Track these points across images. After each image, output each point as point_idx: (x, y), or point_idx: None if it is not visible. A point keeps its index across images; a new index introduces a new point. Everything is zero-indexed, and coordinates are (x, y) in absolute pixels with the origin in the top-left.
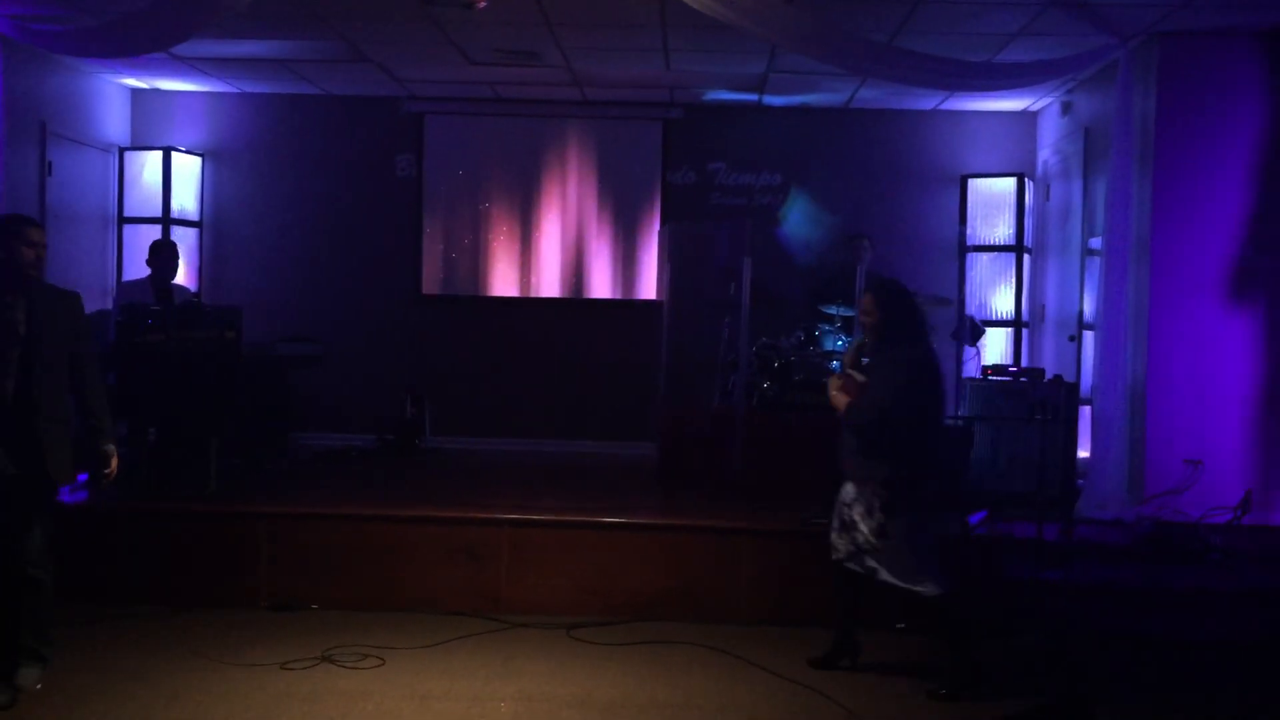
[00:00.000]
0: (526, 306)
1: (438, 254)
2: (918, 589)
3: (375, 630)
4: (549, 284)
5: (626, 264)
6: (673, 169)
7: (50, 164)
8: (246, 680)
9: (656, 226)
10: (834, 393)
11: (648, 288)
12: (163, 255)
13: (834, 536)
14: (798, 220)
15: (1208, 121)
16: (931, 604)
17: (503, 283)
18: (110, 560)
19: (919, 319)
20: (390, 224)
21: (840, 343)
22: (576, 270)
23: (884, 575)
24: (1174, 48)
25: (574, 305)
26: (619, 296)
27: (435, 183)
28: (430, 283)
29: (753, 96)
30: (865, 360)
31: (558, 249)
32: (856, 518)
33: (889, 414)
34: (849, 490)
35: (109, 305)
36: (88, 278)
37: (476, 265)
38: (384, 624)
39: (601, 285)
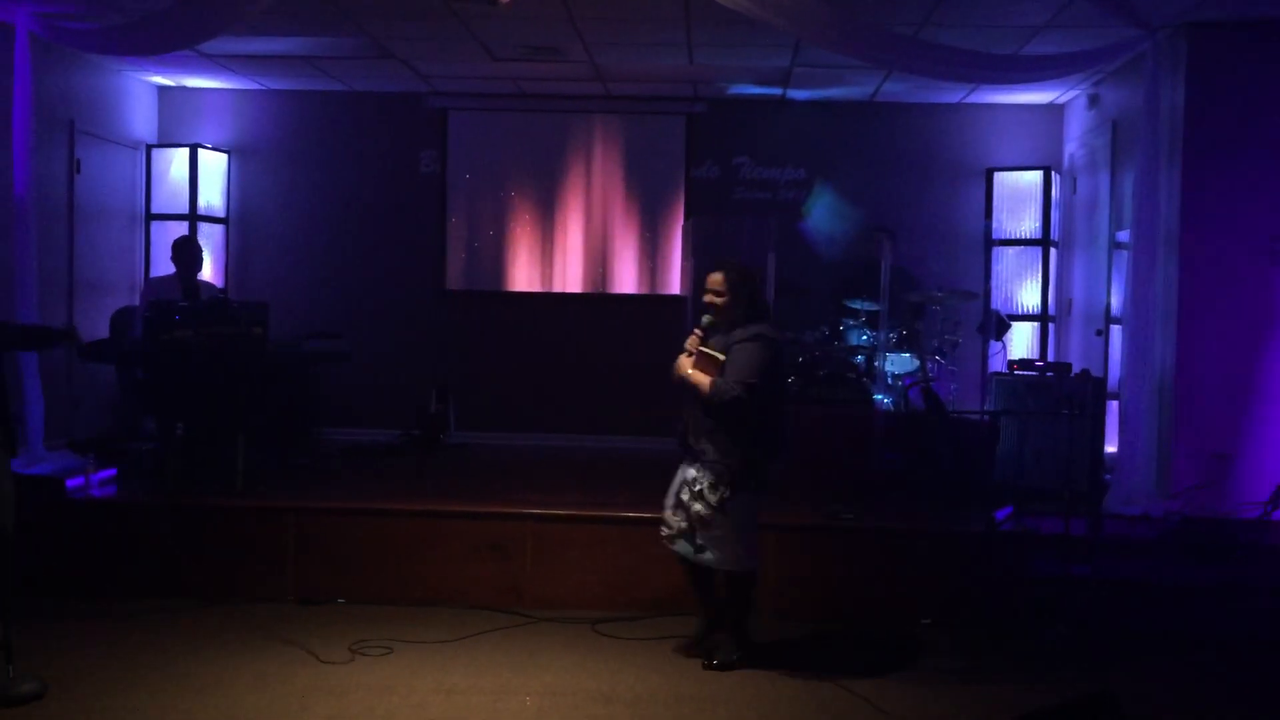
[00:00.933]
0: (550, 302)
1: (461, 250)
2: (729, 568)
3: (401, 624)
4: (572, 279)
5: (650, 259)
6: (696, 164)
7: (78, 161)
8: (274, 673)
9: (680, 221)
10: (690, 371)
11: (671, 283)
12: (186, 252)
13: (668, 514)
14: (822, 215)
15: (1237, 113)
16: (730, 580)
17: (527, 278)
18: (139, 555)
19: (764, 301)
20: (414, 220)
21: (865, 337)
22: (600, 265)
23: (708, 555)
24: (1202, 39)
25: (598, 300)
26: (642, 291)
27: (459, 178)
28: (454, 278)
29: (777, 91)
30: (711, 339)
31: (581, 244)
32: (695, 494)
33: (753, 392)
34: (691, 471)
35: (137, 302)
36: (116, 274)
37: (500, 261)
38: (409, 618)
39: (625, 280)
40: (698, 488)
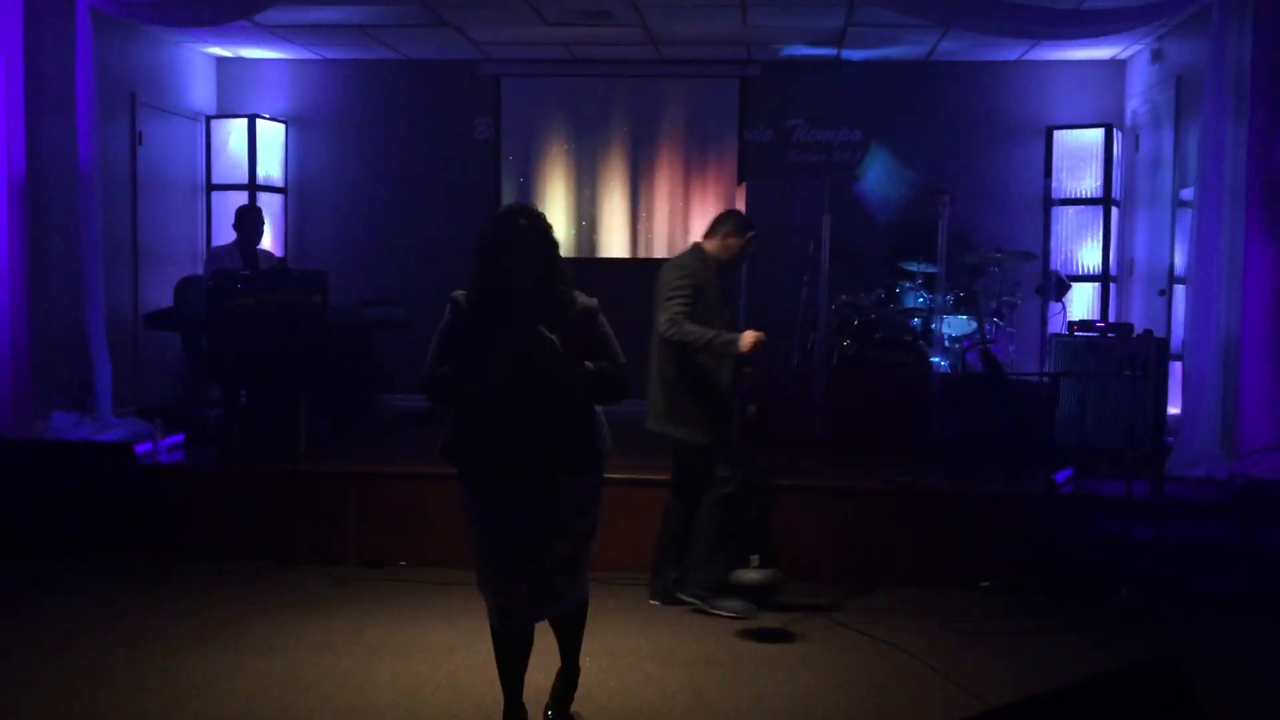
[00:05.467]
0: (603, 267)
1: None
2: (585, 598)
3: (461, 586)
4: (626, 244)
5: (704, 223)
6: (750, 127)
7: (140, 133)
8: (340, 634)
9: (734, 185)
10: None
11: None
12: (249, 220)
13: (508, 588)
14: (878, 177)
15: None
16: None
17: (581, 244)
18: (205, 519)
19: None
20: (470, 187)
21: (922, 299)
22: (654, 230)
23: (569, 597)
24: None
25: (651, 266)
26: None
27: (512, 145)
28: None
29: (831, 51)
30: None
31: (635, 209)
32: (563, 528)
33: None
34: (521, 503)
35: (199, 271)
36: (178, 244)
37: (555, 226)
38: (470, 580)
39: (679, 245)
40: (558, 519)
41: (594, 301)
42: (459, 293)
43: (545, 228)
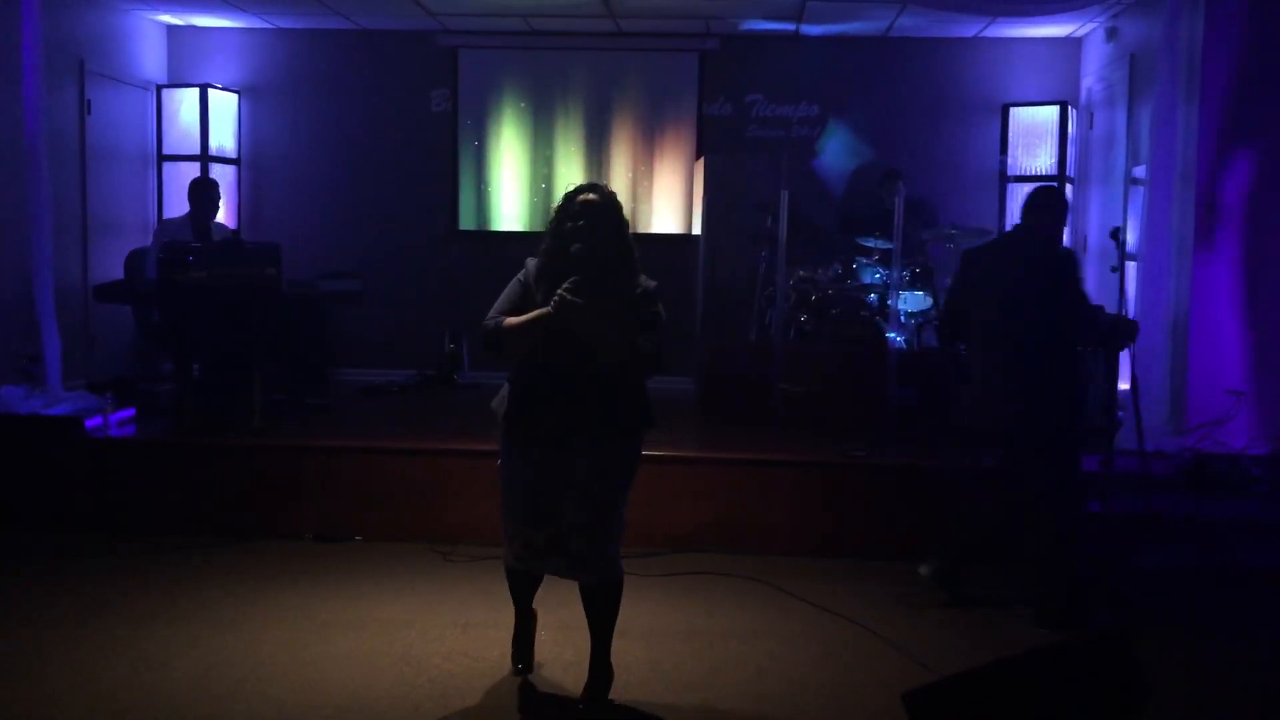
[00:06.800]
0: None
1: (474, 189)
2: (619, 575)
3: (418, 561)
4: None
5: (662, 197)
6: (709, 101)
7: (89, 102)
8: (294, 609)
9: (692, 159)
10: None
11: (683, 221)
12: (204, 192)
13: (524, 537)
14: (836, 152)
15: (1257, 48)
16: (615, 590)
17: (538, 218)
18: (157, 493)
19: None
20: (426, 159)
21: (878, 275)
22: None
23: (591, 568)
24: None
25: None
26: (655, 231)
27: (469, 117)
28: (466, 218)
29: (790, 26)
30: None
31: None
32: (582, 486)
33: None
34: (559, 456)
35: (150, 243)
36: (129, 216)
37: (513, 200)
38: (426, 555)
39: (637, 219)
40: (572, 478)
41: (654, 283)
42: (531, 259)
43: (614, 205)
